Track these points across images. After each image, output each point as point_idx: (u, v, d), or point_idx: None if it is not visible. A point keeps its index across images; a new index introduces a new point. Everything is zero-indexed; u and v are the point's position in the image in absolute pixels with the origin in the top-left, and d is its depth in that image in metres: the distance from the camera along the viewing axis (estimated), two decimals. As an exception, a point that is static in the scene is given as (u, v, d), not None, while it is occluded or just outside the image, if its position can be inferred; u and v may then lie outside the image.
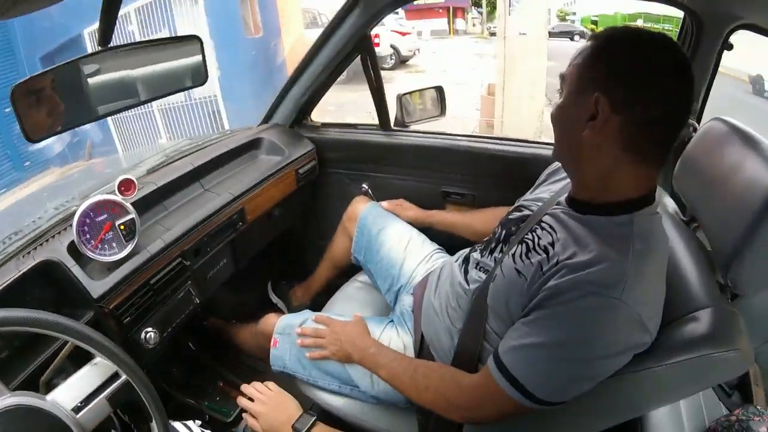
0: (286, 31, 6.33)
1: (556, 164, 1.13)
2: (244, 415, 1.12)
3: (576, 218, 0.85)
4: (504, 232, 1.05)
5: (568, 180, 0.97)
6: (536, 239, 0.89)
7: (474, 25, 25.19)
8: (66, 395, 0.77)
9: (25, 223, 1.19)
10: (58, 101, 0.89)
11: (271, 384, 1.14)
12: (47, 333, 0.75)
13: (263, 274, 1.96)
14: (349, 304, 1.48)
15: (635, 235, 0.78)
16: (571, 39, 18.95)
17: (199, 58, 1.08)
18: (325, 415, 1.18)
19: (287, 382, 1.26)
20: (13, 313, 0.72)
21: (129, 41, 1.00)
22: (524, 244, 0.91)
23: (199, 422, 1.14)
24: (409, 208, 1.55)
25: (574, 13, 24.45)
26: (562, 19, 23.17)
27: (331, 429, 1.05)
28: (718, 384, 1.11)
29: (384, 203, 1.55)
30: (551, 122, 0.86)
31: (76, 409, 0.76)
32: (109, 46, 0.88)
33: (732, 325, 0.76)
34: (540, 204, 1.03)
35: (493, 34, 20.93)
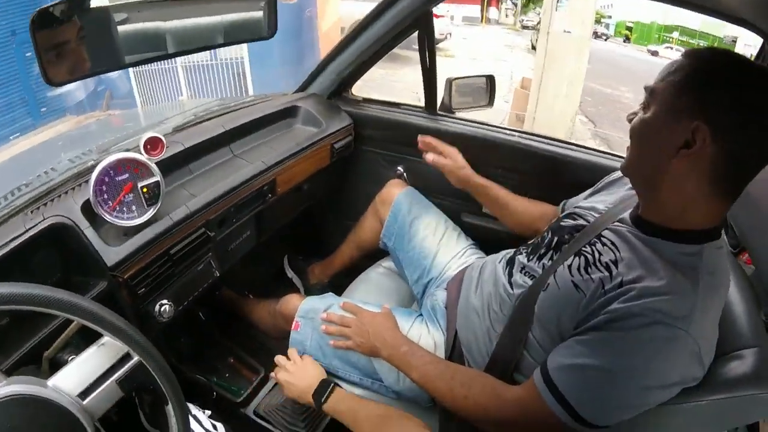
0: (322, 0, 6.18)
1: (615, 175, 1.07)
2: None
3: (642, 239, 0.82)
4: (556, 239, 1.00)
5: (625, 193, 0.97)
6: (597, 254, 0.86)
7: (507, 15, 24.79)
8: (70, 380, 0.68)
9: (36, 173, 1.11)
10: (84, 42, 0.79)
11: (293, 353, 1.17)
12: (52, 313, 0.66)
13: (280, 248, 1.89)
14: (372, 289, 1.43)
15: (703, 267, 0.75)
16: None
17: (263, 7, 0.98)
18: None
19: None
20: (8, 288, 0.62)
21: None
22: (583, 257, 0.87)
23: (208, 412, 1.07)
24: (464, 167, 1.31)
25: (610, 17, 24.02)
26: (597, 21, 22.76)
27: (348, 395, 1.09)
28: None
29: (429, 156, 1.31)
30: (630, 134, 0.81)
31: (82, 395, 0.68)
32: None
33: None
34: (596, 215, 0.97)
35: (525, 27, 20.58)
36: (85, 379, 0.69)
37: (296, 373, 1.13)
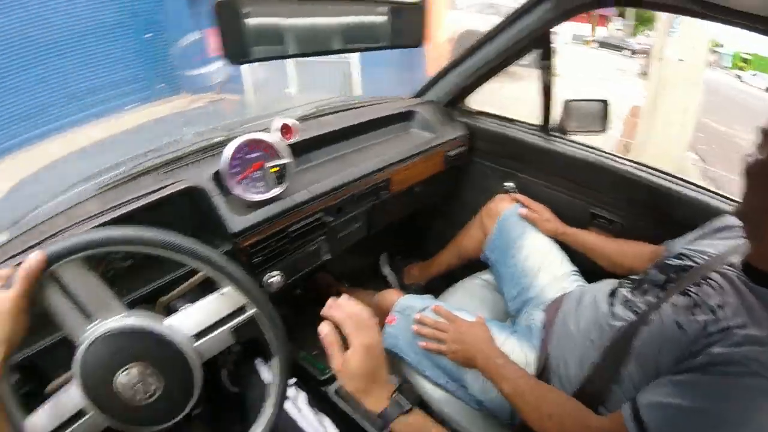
0: (431, 7, 6.20)
1: (726, 220, 1.04)
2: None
3: (750, 287, 0.80)
4: (662, 276, 0.99)
5: (738, 242, 0.93)
6: (703, 296, 0.85)
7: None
8: (186, 321, 0.75)
9: (162, 142, 1.23)
10: (269, 26, 0.86)
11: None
12: (189, 262, 0.73)
13: (380, 244, 1.95)
14: (468, 298, 1.44)
15: None
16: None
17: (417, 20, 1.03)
18: (421, 405, 1.15)
19: (392, 360, 1.24)
20: (159, 235, 0.70)
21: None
22: (689, 297, 0.87)
23: (294, 379, 1.11)
24: (549, 220, 1.42)
25: (722, 45, 22.06)
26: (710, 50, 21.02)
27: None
28: None
29: (522, 210, 1.44)
30: (744, 176, 0.78)
31: (196, 336, 0.75)
32: None
33: None
34: (705, 258, 0.96)
35: (604, 45, 19.80)
36: (202, 323, 0.76)
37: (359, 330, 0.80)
